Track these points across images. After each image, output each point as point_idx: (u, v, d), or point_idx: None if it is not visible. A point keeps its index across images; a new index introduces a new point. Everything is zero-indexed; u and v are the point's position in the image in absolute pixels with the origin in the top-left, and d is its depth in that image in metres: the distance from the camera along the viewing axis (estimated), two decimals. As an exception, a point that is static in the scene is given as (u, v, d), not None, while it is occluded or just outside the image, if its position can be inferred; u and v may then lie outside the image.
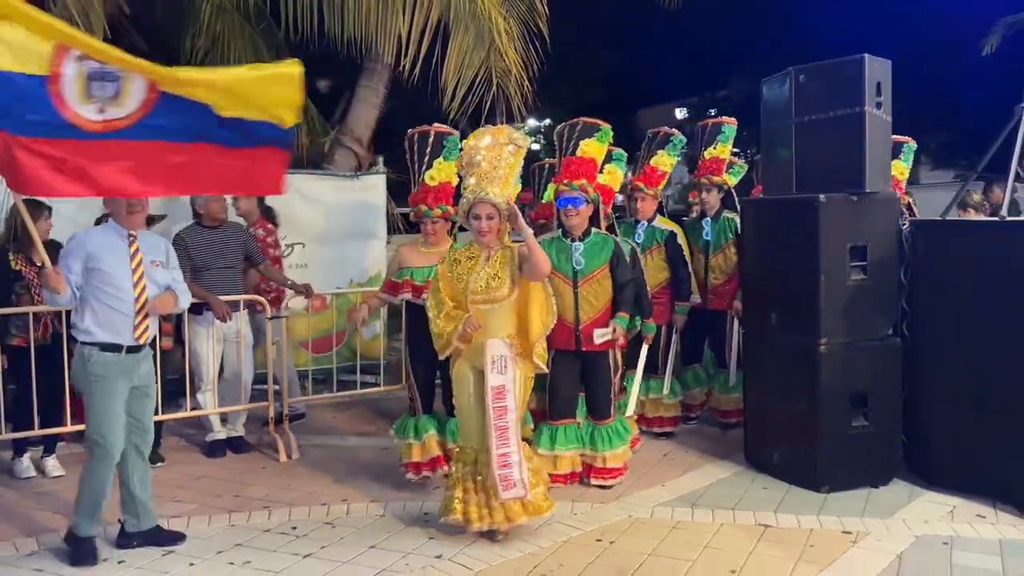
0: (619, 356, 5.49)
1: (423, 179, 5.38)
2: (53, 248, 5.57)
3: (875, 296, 5.20)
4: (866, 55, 4.99)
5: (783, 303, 5.37)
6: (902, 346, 5.31)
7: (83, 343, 4.24)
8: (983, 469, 4.89)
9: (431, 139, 5.39)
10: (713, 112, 32.44)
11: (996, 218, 5.14)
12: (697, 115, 33.16)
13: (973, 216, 8.01)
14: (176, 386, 6.44)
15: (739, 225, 6.47)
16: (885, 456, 5.26)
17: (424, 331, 4.69)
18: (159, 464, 5.81)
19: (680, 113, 35.78)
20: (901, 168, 7.08)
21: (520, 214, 4.38)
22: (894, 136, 5.87)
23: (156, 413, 5.71)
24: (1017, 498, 4.75)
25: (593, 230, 5.25)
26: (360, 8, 7.46)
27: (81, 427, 5.61)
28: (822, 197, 5.06)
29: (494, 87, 7.63)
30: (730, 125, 6.62)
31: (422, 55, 7.64)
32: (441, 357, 4.55)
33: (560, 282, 5.10)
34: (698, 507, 4.95)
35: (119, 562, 4.26)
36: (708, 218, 6.58)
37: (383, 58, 8.06)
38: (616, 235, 5.72)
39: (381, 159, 8.29)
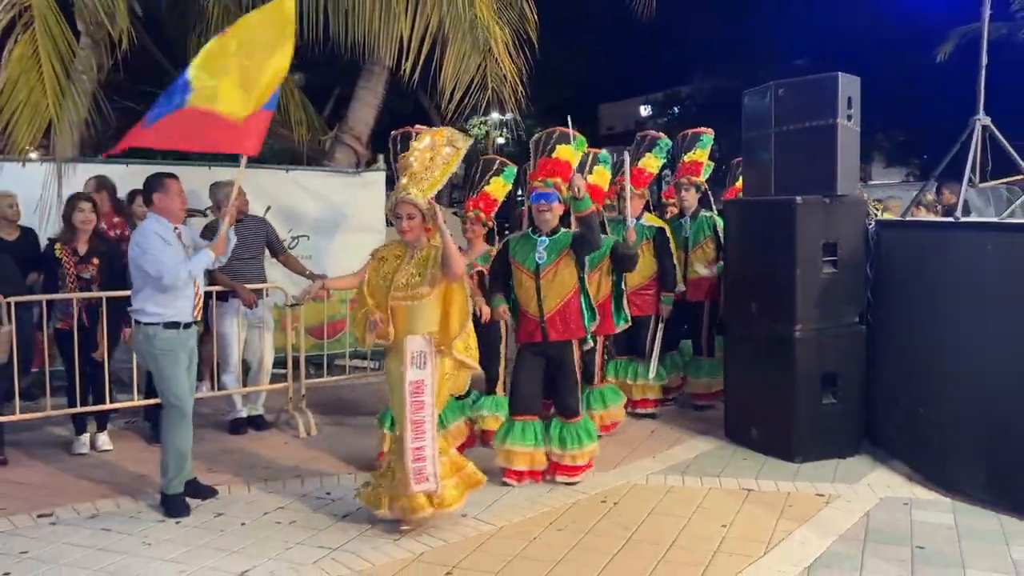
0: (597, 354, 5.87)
1: None
2: (100, 239, 6.05)
3: (844, 288, 5.83)
4: (840, 73, 5.61)
5: (762, 294, 5.97)
6: (866, 332, 5.94)
7: (146, 323, 4.78)
8: (927, 447, 5.40)
9: (412, 140, 5.62)
10: (676, 110, 33.28)
11: (951, 218, 5.73)
12: (661, 112, 33.99)
13: (924, 214, 8.72)
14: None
15: (716, 223, 7.13)
16: (851, 430, 5.90)
17: None
18: (187, 440, 6.28)
19: (645, 110, 36.54)
20: None
21: (439, 215, 4.46)
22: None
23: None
24: (943, 478, 5.21)
25: (562, 229, 5.36)
26: (364, 15, 7.90)
27: (122, 405, 6.12)
28: (799, 199, 5.67)
29: (489, 91, 8.12)
30: (708, 135, 7.34)
31: (421, 60, 8.09)
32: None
33: (523, 275, 5.34)
34: (687, 475, 5.55)
35: (176, 522, 4.73)
36: (687, 216, 7.24)
37: (383, 62, 8.53)
38: (607, 234, 6.23)
39: (381, 156, 8.75)
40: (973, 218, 6.35)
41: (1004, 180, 6.92)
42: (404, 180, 4.50)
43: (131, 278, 4.93)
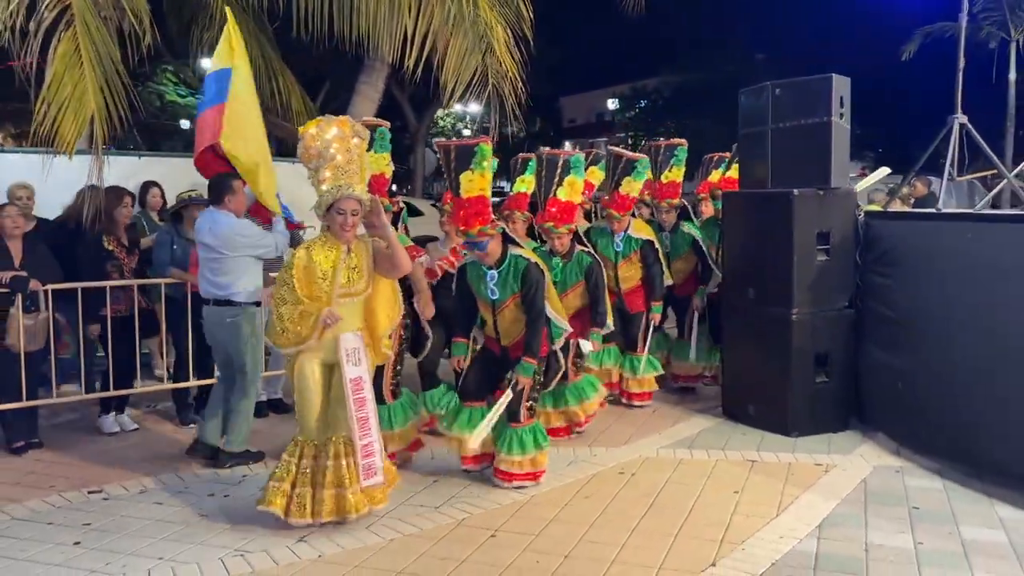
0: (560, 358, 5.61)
1: None
2: (132, 231, 6.30)
3: (835, 274, 6.27)
4: (833, 75, 6.04)
5: (760, 280, 6.39)
6: (855, 315, 6.39)
7: (247, 304, 5.43)
8: (913, 424, 5.84)
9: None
10: (643, 103, 33.85)
11: (933, 210, 6.20)
12: (628, 106, 34.52)
13: (899, 206, 9.27)
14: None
15: (695, 236, 7.34)
16: (842, 406, 6.35)
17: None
18: (214, 422, 6.55)
19: (612, 104, 37.02)
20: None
21: (382, 210, 4.43)
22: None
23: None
24: (936, 449, 5.63)
25: (509, 253, 5.14)
26: (369, 12, 8.17)
27: (153, 388, 6.37)
28: (796, 191, 6.09)
29: (489, 87, 8.42)
30: (682, 147, 7.41)
31: (424, 57, 8.38)
32: (285, 352, 4.56)
33: (481, 304, 5.26)
34: (694, 448, 5.96)
35: (225, 495, 5.02)
36: (666, 232, 7.42)
37: (385, 58, 8.81)
38: (585, 245, 6.31)
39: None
40: (954, 209, 6.79)
41: (977, 174, 7.47)
42: (330, 174, 4.28)
43: (224, 267, 5.36)
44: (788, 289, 6.15)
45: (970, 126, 6.53)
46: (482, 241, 5.01)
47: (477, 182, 4.99)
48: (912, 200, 10.13)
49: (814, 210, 6.16)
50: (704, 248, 7.35)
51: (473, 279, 5.23)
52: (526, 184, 6.15)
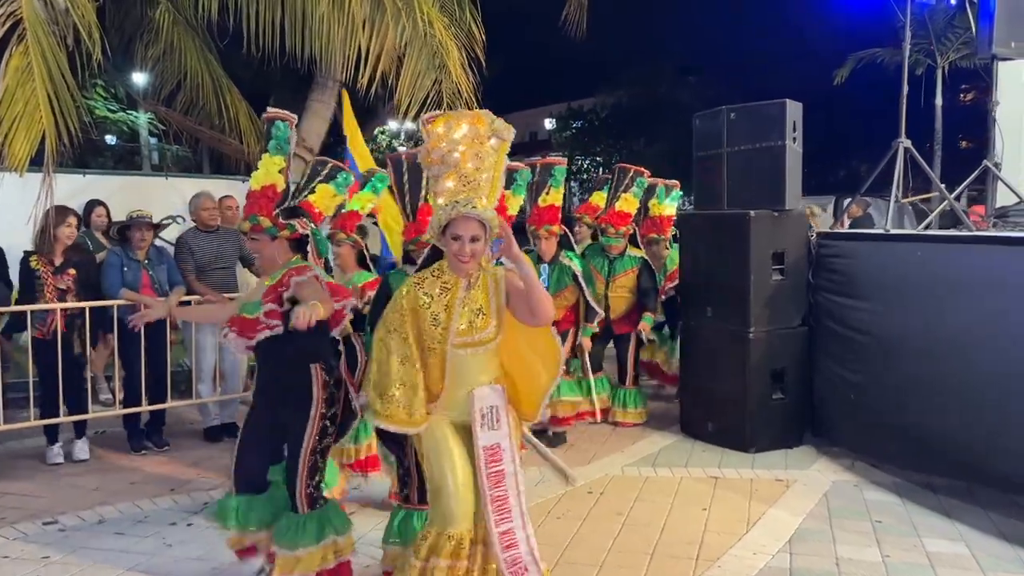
0: None
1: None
2: (76, 251, 6.13)
3: (790, 293, 6.42)
4: (787, 100, 6.21)
5: (717, 299, 6.51)
6: (808, 333, 6.55)
7: None
8: (868, 435, 6.02)
9: (264, 128, 4.00)
10: (579, 124, 34.26)
11: (882, 231, 6.40)
12: (564, 127, 34.87)
13: (836, 227, 9.53)
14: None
15: (574, 269, 6.43)
16: (798, 422, 6.50)
17: (272, 373, 3.89)
18: (165, 448, 6.38)
19: (549, 124, 37.35)
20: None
21: (513, 236, 3.27)
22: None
23: (164, 400, 6.36)
24: (890, 458, 5.86)
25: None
26: (323, 31, 8.12)
27: (102, 414, 6.18)
28: (752, 213, 6.24)
29: (444, 106, 8.43)
30: (560, 166, 6.34)
31: (378, 75, 8.37)
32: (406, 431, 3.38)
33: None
34: (657, 466, 6.02)
35: (188, 524, 4.89)
36: (544, 263, 6.44)
37: (337, 76, 8.77)
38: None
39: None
40: (903, 231, 7.03)
41: (920, 196, 7.74)
42: (451, 184, 3.30)
43: None
44: (745, 308, 6.28)
45: (914, 150, 6.76)
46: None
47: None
48: (849, 220, 10.46)
49: (769, 231, 6.31)
50: (583, 283, 6.48)
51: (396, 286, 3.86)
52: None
